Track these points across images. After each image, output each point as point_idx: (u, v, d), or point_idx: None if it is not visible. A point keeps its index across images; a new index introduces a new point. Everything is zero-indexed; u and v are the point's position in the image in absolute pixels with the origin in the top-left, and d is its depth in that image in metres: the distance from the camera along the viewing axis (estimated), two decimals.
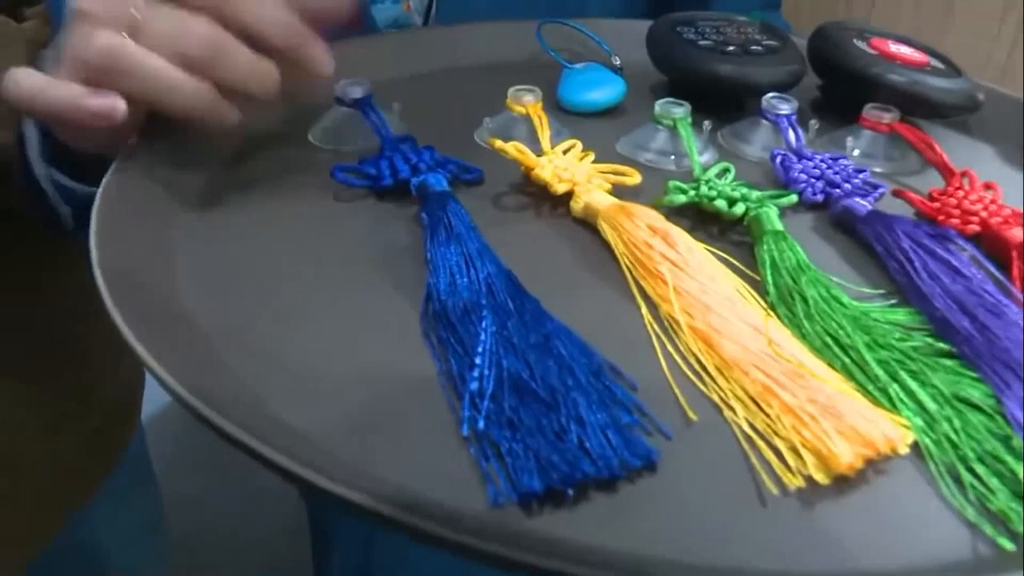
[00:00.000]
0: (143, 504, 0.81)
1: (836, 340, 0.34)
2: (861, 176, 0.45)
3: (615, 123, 0.52)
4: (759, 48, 0.53)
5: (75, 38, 0.40)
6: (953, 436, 0.30)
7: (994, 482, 0.29)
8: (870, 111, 0.48)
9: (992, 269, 0.37)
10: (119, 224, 0.38)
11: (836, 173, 0.44)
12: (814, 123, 0.49)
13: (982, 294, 0.36)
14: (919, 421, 0.31)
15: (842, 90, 0.54)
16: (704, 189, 0.42)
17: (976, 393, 0.32)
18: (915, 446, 0.30)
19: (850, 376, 0.33)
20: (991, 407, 0.31)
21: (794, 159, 0.45)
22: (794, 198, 0.43)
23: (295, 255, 0.39)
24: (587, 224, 0.42)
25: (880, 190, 0.44)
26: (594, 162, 0.45)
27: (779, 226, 0.40)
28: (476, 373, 0.31)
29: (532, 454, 0.29)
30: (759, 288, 0.38)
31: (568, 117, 0.53)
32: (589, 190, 0.42)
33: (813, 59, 0.54)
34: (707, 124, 0.48)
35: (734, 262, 0.39)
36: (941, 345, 0.34)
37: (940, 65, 0.52)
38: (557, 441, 0.29)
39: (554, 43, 0.58)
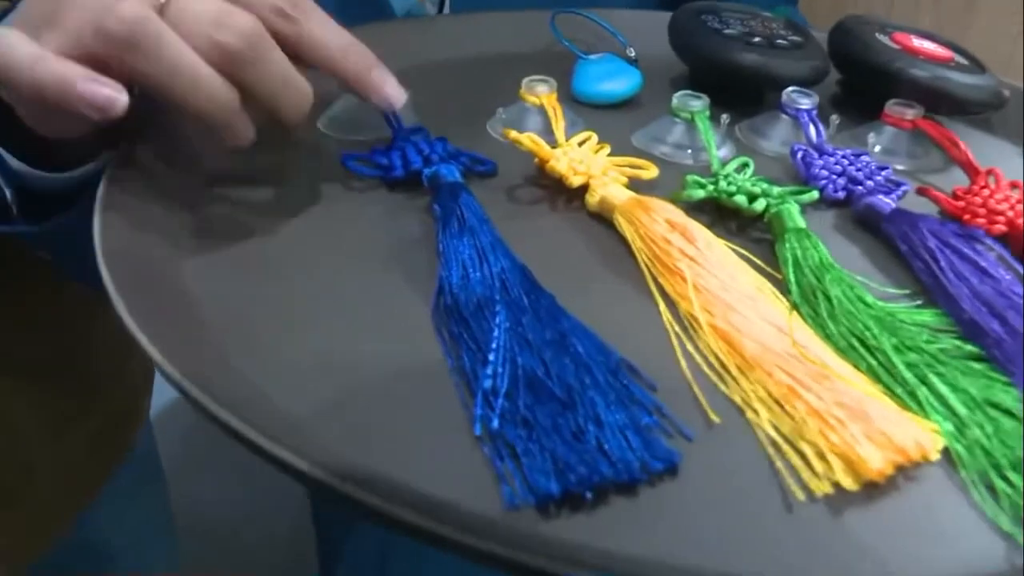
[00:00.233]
0: (151, 503, 0.80)
1: (862, 341, 0.33)
2: (884, 173, 0.43)
3: (630, 116, 0.51)
4: (784, 42, 0.52)
5: (89, 5, 0.35)
6: (985, 442, 0.29)
7: None
8: (893, 107, 0.47)
9: (1021, 271, 0.36)
10: (124, 211, 0.37)
11: (858, 170, 0.43)
12: (835, 118, 0.48)
13: (1011, 296, 0.35)
14: (949, 426, 0.30)
15: (863, 85, 0.52)
16: (723, 184, 0.41)
17: (1008, 398, 0.31)
18: (945, 452, 0.29)
19: (877, 379, 0.32)
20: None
21: (815, 155, 0.44)
22: (815, 195, 0.42)
23: (304, 245, 0.38)
24: (603, 218, 0.41)
25: (903, 188, 0.43)
26: (610, 155, 0.44)
27: (802, 223, 0.39)
28: (490, 370, 0.30)
29: (548, 455, 0.28)
30: (781, 287, 0.36)
31: (583, 109, 0.52)
32: (605, 183, 0.41)
33: (834, 53, 0.53)
34: (725, 118, 0.47)
35: (754, 259, 0.38)
36: (970, 348, 0.33)
37: (964, 61, 0.51)
38: (574, 442, 0.28)
39: (568, 34, 0.57)
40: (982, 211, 0.41)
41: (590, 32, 0.59)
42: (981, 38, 0.83)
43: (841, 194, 0.43)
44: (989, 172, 0.43)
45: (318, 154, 0.45)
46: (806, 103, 0.47)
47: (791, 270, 0.36)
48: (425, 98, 0.49)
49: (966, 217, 0.41)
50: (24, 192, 0.43)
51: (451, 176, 0.40)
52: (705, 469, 0.28)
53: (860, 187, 0.42)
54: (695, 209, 0.41)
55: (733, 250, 0.38)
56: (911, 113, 0.47)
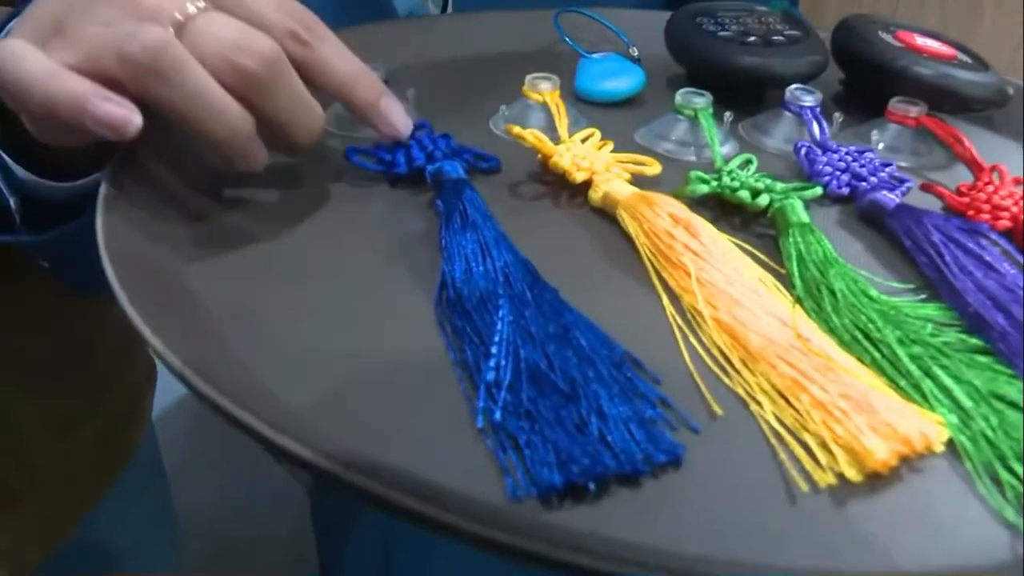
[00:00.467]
0: (154, 502, 0.80)
1: (866, 334, 0.33)
2: (888, 170, 0.43)
3: (633, 114, 0.51)
4: (781, 39, 0.52)
5: (114, 23, 0.34)
6: (990, 434, 0.29)
7: None
8: (896, 104, 0.47)
9: None
10: (128, 205, 0.37)
11: (862, 166, 0.43)
12: (838, 116, 0.48)
13: (1016, 290, 0.35)
14: (954, 418, 0.30)
15: (867, 83, 0.52)
16: (727, 180, 0.41)
17: (1012, 391, 0.30)
18: (949, 444, 0.29)
19: (881, 371, 0.32)
20: None
21: (818, 151, 0.44)
22: (819, 191, 0.42)
23: (306, 240, 0.38)
24: (606, 214, 0.41)
25: (907, 184, 0.43)
26: (613, 152, 0.44)
27: (805, 218, 0.38)
28: (492, 363, 0.30)
29: (551, 447, 0.27)
30: (784, 282, 0.36)
31: (585, 107, 0.52)
32: (608, 179, 0.41)
33: (837, 52, 0.53)
34: (728, 115, 0.47)
35: (758, 254, 0.38)
36: (975, 341, 0.33)
37: (967, 59, 0.51)
38: (577, 434, 0.28)
39: (571, 34, 0.57)
40: (986, 207, 0.41)
41: (593, 32, 0.59)
42: (986, 40, 0.83)
43: (845, 190, 0.42)
44: (993, 169, 0.43)
45: (322, 150, 0.45)
46: (809, 100, 0.47)
47: (795, 264, 0.36)
48: (428, 96, 0.49)
49: (970, 213, 0.41)
50: (28, 201, 0.43)
51: (455, 172, 0.40)
52: (709, 461, 0.28)
53: (864, 183, 0.42)
54: (698, 205, 0.41)
55: (737, 245, 0.38)
56: (915, 111, 0.47)
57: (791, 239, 0.37)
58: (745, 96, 0.51)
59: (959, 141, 0.45)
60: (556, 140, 0.44)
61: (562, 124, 0.45)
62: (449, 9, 0.63)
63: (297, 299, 0.35)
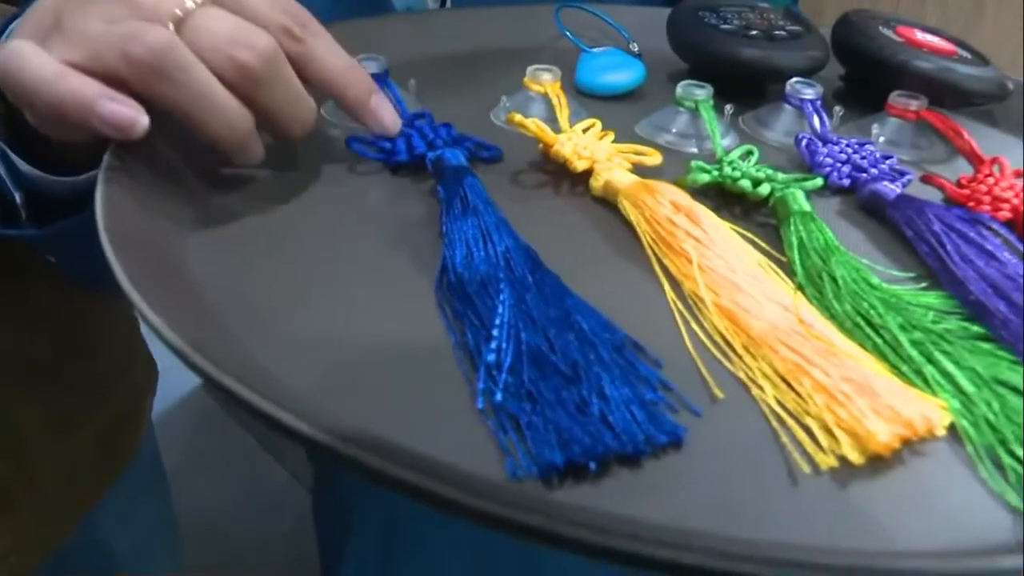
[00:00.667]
0: (154, 503, 0.80)
1: (868, 320, 0.33)
2: (888, 162, 0.43)
3: (634, 107, 0.51)
4: (782, 33, 0.52)
5: (116, 21, 0.35)
6: (992, 418, 0.29)
7: None
8: (897, 98, 0.47)
9: None
10: (127, 187, 0.36)
11: (863, 158, 0.43)
12: (838, 110, 0.48)
13: (1017, 278, 0.35)
14: (956, 403, 0.29)
15: (867, 78, 0.52)
16: (728, 170, 0.41)
17: (1015, 376, 0.30)
18: (951, 429, 0.29)
19: (883, 357, 0.31)
20: None
21: (819, 143, 0.44)
22: (820, 181, 0.42)
23: (307, 225, 0.38)
24: (607, 203, 0.41)
25: (908, 176, 0.43)
26: (614, 143, 0.44)
27: (807, 207, 0.38)
28: (493, 345, 0.30)
29: (552, 427, 0.27)
30: (786, 269, 0.36)
31: (586, 100, 0.52)
32: (610, 168, 0.41)
33: (838, 47, 0.53)
34: (729, 108, 0.47)
35: (759, 243, 0.38)
36: (976, 328, 0.33)
37: (967, 55, 0.51)
38: (579, 415, 0.28)
39: (573, 29, 0.57)
40: (987, 199, 0.41)
41: (593, 28, 0.59)
42: (988, 39, 0.84)
43: (846, 181, 0.42)
44: (994, 161, 0.43)
45: (324, 138, 0.45)
46: (810, 93, 0.47)
47: (796, 252, 0.36)
48: (429, 88, 0.49)
49: (971, 204, 0.41)
50: (32, 196, 0.43)
51: (456, 160, 0.40)
52: (710, 443, 0.28)
53: (865, 174, 0.42)
54: (699, 195, 0.41)
55: (739, 234, 0.38)
56: (915, 104, 0.47)
57: (792, 227, 0.37)
58: (746, 90, 0.51)
59: (959, 134, 0.45)
60: (557, 131, 0.44)
61: (563, 115, 0.45)
62: (448, 4, 0.63)
63: (297, 281, 0.35)
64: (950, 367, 0.30)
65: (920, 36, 0.50)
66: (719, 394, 0.30)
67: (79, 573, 0.68)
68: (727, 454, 0.28)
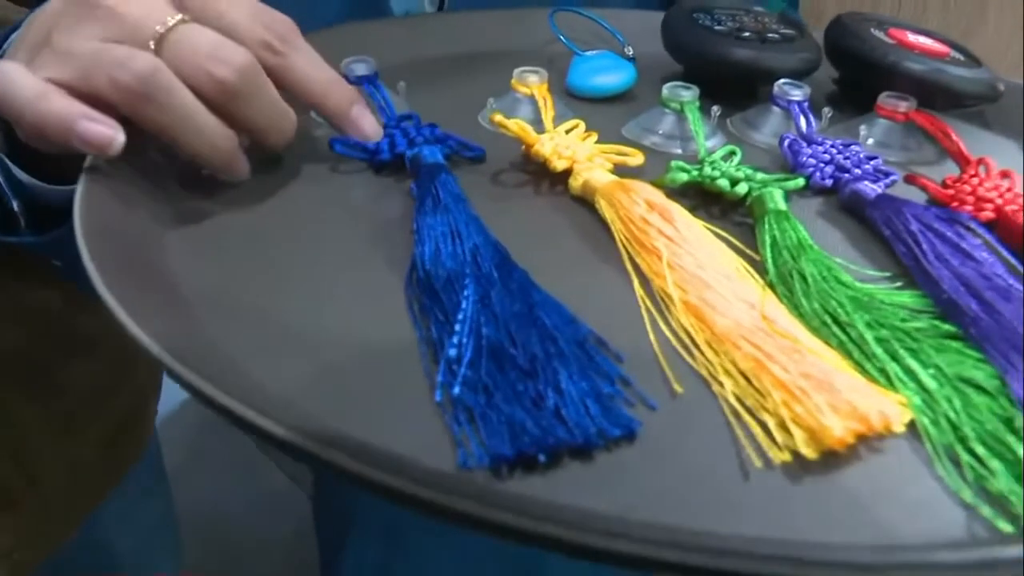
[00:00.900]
0: (155, 505, 0.81)
1: (835, 318, 0.33)
2: (873, 163, 0.43)
3: (624, 109, 0.51)
4: (775, 36, 0.52)
5: (105, 46, 0.36)
6: (953, 416, 0.28)
7: (995, 464, 0.27)
8: (886, 99, 0.47)
9: (1004, 251, 0.35)
10: (108, 188, 0.37)
11: (847, 159, 0.43)
12: (827, 111, 0.48)
13: (992, 277, 0.34)
14: (918, 400, 0.29)
15: (858, 80, 0.52)
16: (707, 169, 0.41)
17: (980, 374, 0.30)
18: (913, 427, 0.29)
19: (848, 355, 0.31)
20: (995, 388, 0.29)
21: (803, 143, 0.44)
22: (801, 182, 0.41)
23: (286, 223, 0.39)
24: (586, 202, 0.41)
25: (892, 177, 0.43)
26: (599, 144, 0.44)
27: (782, 206, 0.38)
28: (455, 340, 0.30)
29: (506, 420, 0.27)
30: (760, 269, 0.36)
31: (577, 103, 0.52)
32: (589, 168, 0.41)
33: (830, 49, 0.53)
34: (716, 109, 0.47)
35: (735, 242, 0.38)
36: (947, 327, 0.33)
37: (960, 56, 0.51)
38: (533, 408, 0.28)
39: (569, 34, 0.57)
40: (970, 199, 0.40)
41: (590, 32, 0.59)
42: (990, 41, 0.83)
43: (828, 182, 0.42)
44: (980, 161, 0.43)
45: (307, 138, 0.45)
46: (797, 95, 0.47)
47: (768, 250, 0.36)
48: (420, 90, 0.50)
49: (954, 204, 0.40)
50: (31, 204, 0.44)
51: (432, 157, 0.40)
52: (666, 437, 0.28)
53: (847, 175, 0.42)
54: (679, 194, 0.41)
55: (714, 233, 0.38)
56: (904, 106, 0.47)
57: (766, 226, 0.37)
58: (739, 92, 0.51)
59: (947, 135, 0.45)
60: (543, 132, 0.44)
61: (548, 116, 0.46)
62: (446, 7, 0.64)
63: (275, 280, 0.35)
64: (914, 364, 0.30)
65: (912, 38, 0.50)
66: (678, 389, 0.30)
67: (80, 573, 0.69)
68: (683, 448, 0.28)
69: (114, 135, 0.35)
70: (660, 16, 0.57)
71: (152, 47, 0.36)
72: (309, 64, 0.40)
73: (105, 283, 0.30)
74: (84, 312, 0.64)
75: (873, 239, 0.39)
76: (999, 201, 0.40)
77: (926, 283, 0.35)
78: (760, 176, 0.40)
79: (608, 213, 0.38)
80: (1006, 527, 0.25)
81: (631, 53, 0.57)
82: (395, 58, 0.54)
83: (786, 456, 0.27)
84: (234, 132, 0.38)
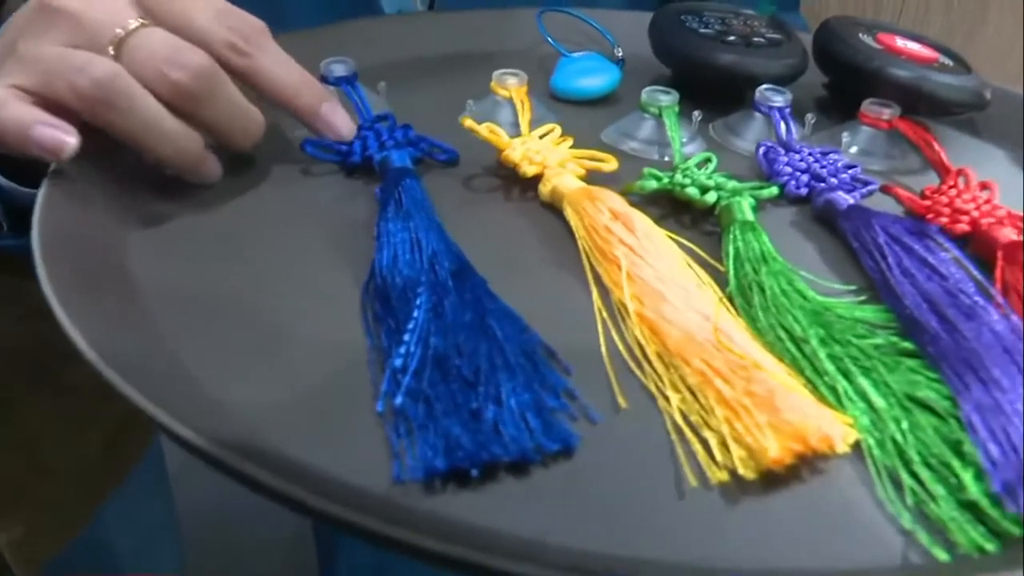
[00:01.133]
0: (157, 506, 0.81)
1: (789, 333, 0.32)
2: (851, 172, 0.42)
3: (607, 113, 0.51)
4: (761, 40, 0.51)
5: (66, 53, 0.36)
6: (899, 437, 0.28)
7: (938, 489, 0.27)
8: (869, 106, 0.46)
9: (972, 268, 0.35)
10: (70, 187, 0.37)
11: (823, 167, 0.42)
12: (810, 117, 0.47)
13: (957, 294, 0.34)
14: (865, 420, 0.29)
15: (845, 86, 0.51)
16: (679, 177, 0.40)
17: (932, 394, 0.29)
18: (860, 448, 0.28)
19: (800, 371, 0.31)
20: (945, 409, 0.29)
21: (780, 151, 0.43)
22: (775, 190, 0.41)
23: (252, 225, 0.39)
24: (555, 209, 0.40)
25: (870, 187, 0.42)
26: (575, 148, 0.44)
27: (750, 216, 0.38)
28: (403, 350, 0.30)
29: (443, 433, 0.27)
30: (722, 279, 0.36)
31: (560, 105, 0.51)
32: (560, 174, 0.41)
33: (818, 53, 0.52)
34: (697, 115, 0.47)
35: (700, 252, 0.37)
36: (905, 344, 0.32)
37: (949, 62, 0.50)
38: (471, 421, 0.28)
39: (560, 35, 0.57)
40: (947, 210, 0.40)
41: (582, 34, 0.59)
42: (991, 46, 0.81)
43: (804, 191, 0.42)
44: (960, 172, 0.42)
45: (281, 140, 0.45)
46: (779, 101, 0.46)
47: (731, 262, 0.36)
48: (404, 91, 0.49)
49: (930, 216, 0.40)
50: (12, 208, 0.44)
51: (400, 161, 0.40)
52: (606, 454, 0.28)
53: (823, 184, 0.41)
54: (650, 202, 0.41)
55: (681, 243, 0.37)
56: (888, 113, 0.46)
57: (731, 236, 0.37)
58: (725, 98, 0.51)
59: (929, 144, 0.44)
60: (519, 135, 0.44)
61: (525, 119, 0.45)
62: (436, 5, 0.63)
63: (233, 282, 0.35)
64: (864, 383, 0.30)
65: (900, 43, 0.49)
66: (623, 403, 0.30)
67: (82, 573, 0.69)
68: (621, 465, 0.28)
69: (66, 139, 0.35)
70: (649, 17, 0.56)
71: (112, 52, 0.36)
72: (276, 64, 0.40)
73: (53, 287, 0.30)
74: None
75: (844, 251, 0.39)
76: (975, 214, 0.39)
77: (889, 298, 0.34)
78: (732, 185, 0.40)
79: (573, 220, 0.38)
80: (942, 555, 0.25)
81: (620, 55, 0.56)
82: (381, 57, 0.54)
83: (724, 476, 0.27)
84: (199, 135, 0.38)
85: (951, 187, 0.41)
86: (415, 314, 0.32)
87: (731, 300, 0.34)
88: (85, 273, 0.33)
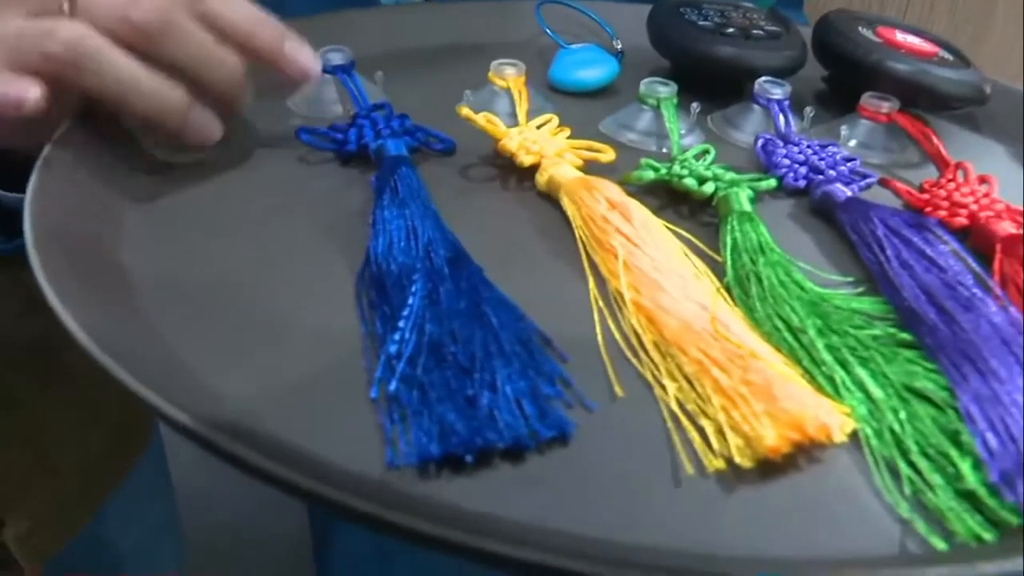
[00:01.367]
0: (159, 505, 0.81)
1: (787, 323, 0.32)
2: (849, 164, 0.42)
3: (606, 104, 0.50)
4: (760, 33, 0.51)
5: (26, 27, 0.36)
6: (896, 427, 0.28)
7: (936, 478, 0.26)
8: (868, 100, 0.46)
9: (970, 260, 0.35)
10: (62, 174, 0.37)
11: (822, 159, 0.42)
12: (809, 110, 0.47)
13: (956, 286, 0.33)
14: (863, 409, 0.29)
15: (844, 79, 0.51)
16: (676, 168, 0.40)
17: (930, 385, 0.29)
18: (857, 437, 0.28)
19: (797, 361, 0.31)
20: (943, 400, 0.29)
21: (779, 143, 0.43)
22: (772, 182, 0.41)
23: (247, 213, 0.38)
24: (552, 199, 0.40)
25: (868, 179, 0.42)
26: (573, 139, 0.43)
27: (747, 207, 0.38)
28: (397, 336, 0.30)
29: (437, 419, 0.27)
30: (721, 270, 0.36)
31: (558, 97, 0.51)
32: (557, 164, 0.40)
33: (816, 46, 0.52)
34: (695, 106, 0.46)
35: (698, 243, 0.37)
36: (903, 336, 0.32)
37: (949, 57, 0.50)
38: (467, 407, 0.28)
39: (558, 27, 0.57)
40: (945, 204, 0.39)
41: (581, 25, 0.58)
42: (997, 46, 0.81)
43: (802, 183, 0.41)
44: (959, 166, 0.42)
45: (280, 130, 0.45)
46: (778, 93, 0.46)
47: (729, 252, 0.36)
48: (401, 81, 0.49)
49: (928, 209, 0.40)
50: (2, 212, 0.43)
51: (396, 150, 0.40)
52: (602, 441, 0.28)
53: (821, 176, 0.41)
54: (648, 193, 0.41)
55: (679, 233, 0.37)
56: (887, 106, 0.46)
57: (728, 227, 0.37)
58: (724, 90, 0.51)
59: (928, 138, 0.44)
60: (516, 126, 0.43)
61: (522, 109, 0.45)
62: None
63: (227, 269, 0.35)
64: (862, 373, 0.30)
65: (900, 37, 0.49)
66: (619, 392, 0.29)
67: (84, 572, 0.69)
68: (617, 452, 0.28)
69: (27, 92, 0.35)
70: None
71: (66, 10, 0.36)
72: (228, 7, 0.39)
73: (46, 275, 0.30)
74: None
75: (841, 243, 0.39)
76: (974, 207, 0.39)
77: (887, 289, 0.34)
78: (729, 176, 0.40)
79: (570, 210, 0.38)
80: (940, 544, 0.25)
81: (619, 47, 0.56)
82: (379, 47, 0.54)
83: (720, 464, 0.27)
84: (179, 86, 0.37)
85: (950, 180, 0.41)
86: (410, 301, 0.32)
87: (728, 290, 0.34)
88: (78, 261, 0.33)
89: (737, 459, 0.26)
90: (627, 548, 0.23)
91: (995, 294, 0.33)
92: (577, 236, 0.37)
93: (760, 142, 0.43)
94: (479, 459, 0.26)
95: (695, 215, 0.40)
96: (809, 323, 0.32)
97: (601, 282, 0.35)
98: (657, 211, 0.39)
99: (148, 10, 0.36)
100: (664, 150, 0.45)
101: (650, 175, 0.40)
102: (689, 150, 0.42)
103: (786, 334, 0.32)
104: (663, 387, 0.30)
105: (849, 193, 0.39)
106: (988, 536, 0.25)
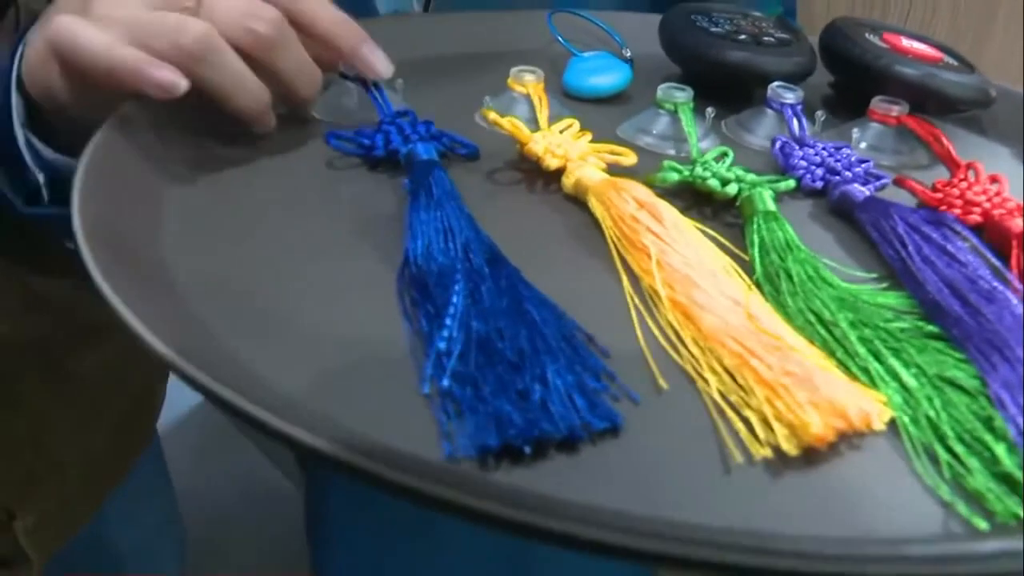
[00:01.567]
0: (159, 505, 0.81)
1: (819, 317, 0.33)
2: (863, 166, 0.43)
3: (619, 109, 0.52)
4: (771, 39, 0.52)
5: (157, 17, 0.39)
6: (932, 414, 0.29)
7: (973, 462, 0.27)
8: (878, 103, 0.47)
9: (989, 255, 0.36)
10: (106, 177, 0.37)
11: (837, 161, 0.43)
12: (820, 114, 0.48)
13: (977, 280, 0.35)
14: (899, 398, 0.30)
15: (852, 84, 0.53)
16: (699, 170, 0.41)
17: (961, 374, 0.30)
18: (893, 425, 0.29)
19: (831, 353, 0.32)
20: (975, 388, 0.30)
21: (795, 146, 0.44)
22: (792, 183, 0.42)
23: (282, 216, 0.39)
24: (578, 201, 0.41)
25: (883, 180, 0.43)
26: (593, 143, 0.44)
27: (772, 206, 0.39)
28: (445, 333, 0.31)
29: (492, 412, 0.28)
30: (748, 268, 0.37)
31: (573, 103, 0.52)
32: (582, 167, 0.41)
33: (825, 53, 0.53)
34: (710, 111, 0.48)
35: (724, 242, 0.38)
36: (930, 328, 0.33)
37: (954, 62, 0.51)
38: (520, 400, 0.28)
39: (570, 35, 0.58)
40: (959, 202, 0.41)
41: (589, 35, 0.59)
42: (998, 51, 0.83)
43: (819, 184, 0.43)
44: (969, 166, 0.43)
45: (307, 135, 0.46)
46: (791, 98, 0.47)
47: (756, 250, 0.37)
48: (417, 89, 0.50)
49: (942, 208, 0.41)
50: (54, 179, 0.47)
51: (427, 154, 0.41)
52: (650, 432, 0.29)
53: (837, 177, 0.42)
54: (671, 194, 0.42)
55: (704, 233, 0.38)
56: (896, 110, 0.47)
57: (755, 226, 0.38)
58: (735, 96, 0.52)
59: (938, 140, 0.45)
60: (537, 131, 0.44)
61: (543, 114, 0.46)
62: (432, 6, 0.64)
63: (267, 272, 0.35)
64: (895, 364, 0.31)
65: (906, 43, 0.51)
66: (663, 385, 0.30)
67: (84, 572, 0.69)
68: (666, 443, 0.28)
69: (178, 80, 0.38)
70: (660, 18, 0.57)
71: (192, 7, 0.40)
72: (319, 6, 0.44)
73: (105, 278, 0.31)
74: (92, 301, 0.64)
75: (861, 241, 0.40)
76: (987, 205, 0.40)
77: (911, 284, 0.35)
78: (751, 177, 0.41)
79: (599, 211, 0.39)
80: (981, 524, 0.26)
81: (629, 55, 0.57)
82: (397, 56, 0.54)
83: (767, 452, 0.28)
84: (267, 87, 0.42)
85: (962, 180, 0.42)
86: (453, 299, 0.32)
87: (758, 287, 0.35)
88: (131, 265, 0.33)
89: (784, 447, 0.27)
90: (684, 526, 0.24)
91: (1014, 287, 0.35)
92: (608, 236, 0.38)
93: (778, 144, 0.45)
94: (535, 450, 0.27)
95: (718, 216, 0.41)
96: (841, 316, 0.33)
97: (634, 280, 0.36)
98: (681, 212, 0.39)
99: (267, 23, 0.41)
100: (682, 154, 0.46)
101: (674, 177, 0.41)
102: (708, 153, 0.43)
103: (819, 327, 0.33)
104: (705, 380, 0.30)
105: (868, 193, 0.41)
106: None
